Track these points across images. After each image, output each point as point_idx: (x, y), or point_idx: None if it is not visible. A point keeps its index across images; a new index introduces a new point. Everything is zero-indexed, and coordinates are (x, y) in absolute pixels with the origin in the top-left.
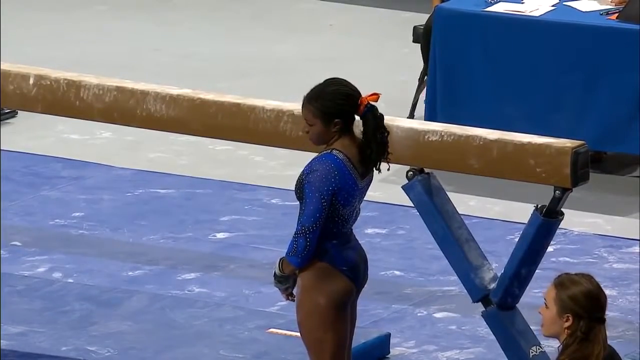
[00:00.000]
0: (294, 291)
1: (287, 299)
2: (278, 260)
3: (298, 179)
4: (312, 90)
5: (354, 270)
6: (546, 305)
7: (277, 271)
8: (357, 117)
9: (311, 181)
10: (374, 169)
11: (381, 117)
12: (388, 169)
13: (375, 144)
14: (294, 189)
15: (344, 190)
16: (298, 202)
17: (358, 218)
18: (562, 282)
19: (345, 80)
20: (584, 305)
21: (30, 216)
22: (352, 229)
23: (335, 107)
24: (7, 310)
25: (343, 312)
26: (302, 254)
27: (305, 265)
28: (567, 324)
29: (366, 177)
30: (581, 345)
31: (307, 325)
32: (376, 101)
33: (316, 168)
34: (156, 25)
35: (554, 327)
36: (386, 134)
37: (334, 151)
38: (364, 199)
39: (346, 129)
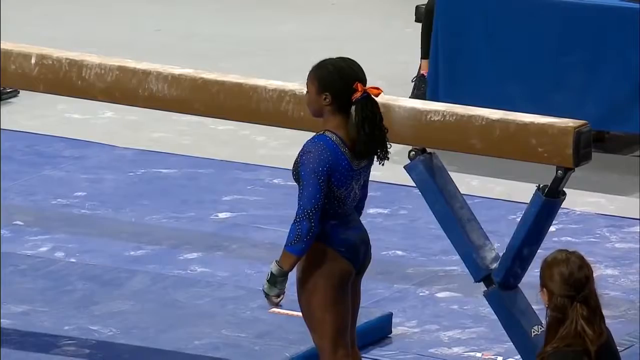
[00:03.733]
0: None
1: (277, 304)
2: (272, 265)
3: (294, 161)
4: (321, 60)
5: (353, 251)
6: None
7: (275, 271)
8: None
9: (305, 163)
10: (377, 158)
11: (373, 113)
12: (385, 160)
13: (364, 136)
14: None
15: (337, 172)
16: (293, 178)
17: (364, 200)
18: (546, 260)
19: (356, 64)
20: (556, 283)
21: (33, 196)
22: (353, 210)
23: (327, 78)
24: (10, 290)
25: (342, 292)
26: (306, 237)
27: (308, 249)
28: (544, 298)
29: (364, 161)
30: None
31: (307, 306)
32: (377, 95)
33: (309, 149)
34: (158, 5)
35: (543, 300)
36: (379, 131)
37: (326, 132)
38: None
39: (338, 108)
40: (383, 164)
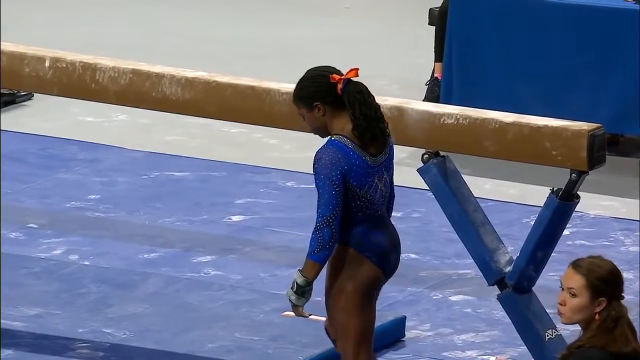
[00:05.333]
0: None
1: (303, 314)
2: (297, 275)
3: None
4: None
5: (382, 257)
6: (572, 294)
7: (302, 281)
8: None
9: (319, 170)
10: (387, 142)
11: (365, 90)
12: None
13: (365, 119)
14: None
15: (353, 172)
16: (315, 187)
17: (392, 201)
18: (586, 267)
19: (324, 66)
20: (615, 285)
21: (46, 198)
22: (384, 211)
23: (308, 90)
24: (24, 292)
25: (369, 298)
26: (328, 244)
27: (330, 255)
28: (599, 308)
29: (380, 154)
30: (607, 328)
31: (333, 310)
32: (356, 76)
33: (320, 156)
34: (172, 8)
35: (581, 314)
36: (376, 109)
37: (333, 136)
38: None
39: (334, 110)
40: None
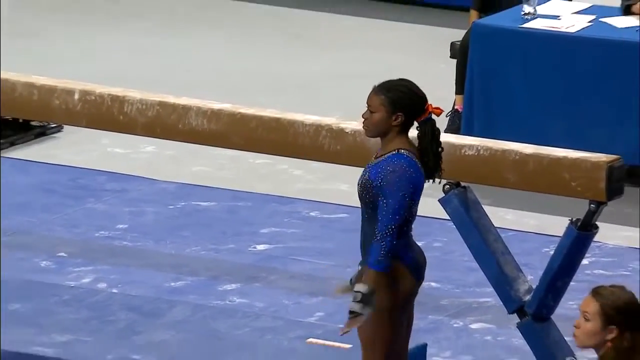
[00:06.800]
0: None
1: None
2: (361, 286)
3: (365, 183)
4: (385, 82)
5: (419, 268)
6: (585, 318)
7: (368, 290)
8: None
9: (392, 181)
10: (430, 179)
11: (439, 131)
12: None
13: (432, 155)
14: (359, 198)
15: (418, 189)
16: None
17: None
18: (604, 295)
19: (418, 87)
20: (629, 316)
21: (76, 228)
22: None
23: (405, 100)
24: (54, 320)
25: (401, 313)
26: (390, 253)
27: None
28: (610, 336)
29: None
30: (624, 357)
31: (365, 322)
32: (438, 115)
33: (392, 169)
34: (198, 43)
35: (593, 339)
36: (441, 149)
37: (402, 151)
38: None
39: (405, 128)
40: (440, 181)
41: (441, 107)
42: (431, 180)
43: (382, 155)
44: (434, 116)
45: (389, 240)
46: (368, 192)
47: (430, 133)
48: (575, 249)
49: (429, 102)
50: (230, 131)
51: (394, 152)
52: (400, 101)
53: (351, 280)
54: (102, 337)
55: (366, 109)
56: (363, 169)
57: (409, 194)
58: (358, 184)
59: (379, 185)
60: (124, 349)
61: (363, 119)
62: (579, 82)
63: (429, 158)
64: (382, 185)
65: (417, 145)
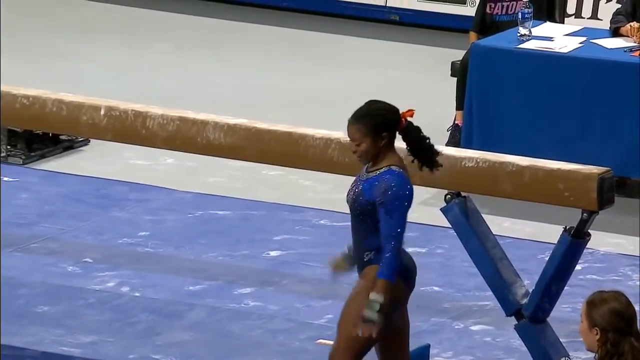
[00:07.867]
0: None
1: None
2: (376, 297)
3: (357, 197)
4: (356, 111)
5: (409, 275)
6: (581, 319)
7: (382, 300)
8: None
9: (396, 195)
10: (431, 169)
11: (419, 128)
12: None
13: (426, 148)
14: (350, 208)
15: (411, 202)
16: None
17: None
18: (592, 300)
19: (384, 102)
20: (610, 320)
21: (101, 235)
22: None
23: (384, 121)
24: (80, 321)
25: (386, 318)
26: (397, 263)
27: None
28: (597, 337)
29: None
30: (612, 357)
31: (347, 318)
32: (412, 116)
33: (397, 184)
34: (215, 61)
35: (586, 340)
36: (428, 139)
37: (393, 167)
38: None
39: (390, 144)
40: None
41: (412, 108)
42: (432, 170)
43: (373, 171)
44: (410, 118)
45: (395, 251)
46: (360, 204)
47: (415, 133)
48: (569, 256)
49: (401, 111)
50: (246, 144)
51: (385, 169)
52: (380, 123)
53: (343, 256)
54: (124, 337)
55: (352, 143)
56: (353, 180)
57: (406, 209)
58: (348, 195)
59: (376, 202)
60: (144, 348)
61: (353, 153)
62: (571, 99)
63: (423, 155)
64: (380, 203)
65: (407, 150)
